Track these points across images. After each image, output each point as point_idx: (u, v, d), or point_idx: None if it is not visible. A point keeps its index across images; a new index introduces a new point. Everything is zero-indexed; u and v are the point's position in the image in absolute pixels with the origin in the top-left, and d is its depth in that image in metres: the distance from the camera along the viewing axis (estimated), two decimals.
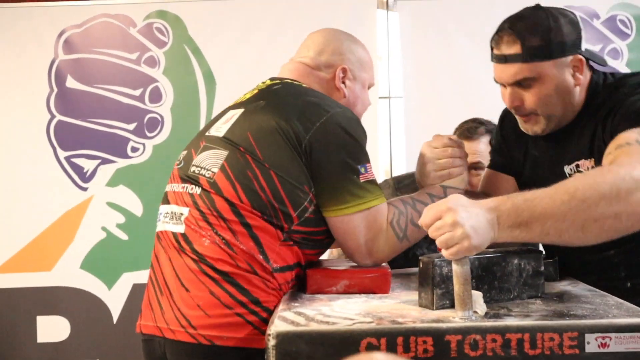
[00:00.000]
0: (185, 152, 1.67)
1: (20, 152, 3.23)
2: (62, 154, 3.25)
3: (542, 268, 1.46)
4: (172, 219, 1.58)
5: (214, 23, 3.24)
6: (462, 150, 1.67)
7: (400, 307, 1.40)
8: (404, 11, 3.26)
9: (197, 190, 1.55)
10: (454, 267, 1.26)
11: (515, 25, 1.60)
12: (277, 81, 1.69)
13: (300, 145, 1.51)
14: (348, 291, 1.55)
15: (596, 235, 1.29)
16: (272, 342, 1.23)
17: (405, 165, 3.24)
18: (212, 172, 1.54)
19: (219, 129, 1.61)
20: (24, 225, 3.23)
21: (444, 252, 1.26)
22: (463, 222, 1.23)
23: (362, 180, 1.53)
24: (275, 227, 1.51)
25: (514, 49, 1.59)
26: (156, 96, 3.23)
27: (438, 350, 1.23)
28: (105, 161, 3.26)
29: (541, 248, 1.53)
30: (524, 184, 1.77)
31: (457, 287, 1.27)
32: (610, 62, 3.22)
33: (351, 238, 1.55)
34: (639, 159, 1.37)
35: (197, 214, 1.52)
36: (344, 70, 1.70)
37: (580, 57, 1.62)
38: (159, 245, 1.61)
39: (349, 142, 1.54)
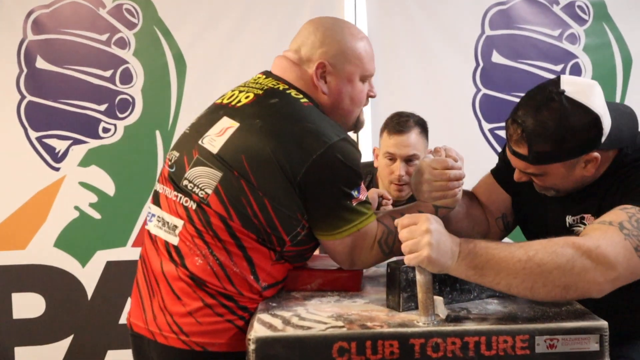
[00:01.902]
0: (176, 155, 1.64)
1: None
2: (33, 135, 3.26)
3: None
4: (164, 226, 1.59)
5: (184, 5, 3.25)
6: (460, 172, 1.62)
7: (370, 308, 1.51)
8: None
9: (192, 204, 1.55)
10: (417, 276, 1.38)
11: (526, 123, 1.52)
12: (273, 84, 1.62)
13: (295, 178, 1.49)
14: (322, 288, 1.66)
15: (542, 298, 1.39)
16: (252, 347, 1.34)
17: (369, 146, 3.33)
18: (206, 193, 1.53)
19: (213, 143, 1.57)
20: None
21: (405, 257, 1.37)
22: (432, 233, 1.34)
23: (354, 204, 1.54)
24: (269, 248, 1.55)
25: (522, 149, 1.55)
26: (127, 77, 3.24)
27: (403, 352, 1.35)
28: (76, 142, 3.28)
29: None
30: (519, 208, 1.82)
31: (420, 294, 1.38)
32: (569, 47, 3.37)
33: (339, 255, 1.61)
34: (610, 242, 1.39)
35: (192, 230, 1.54)
36: (321, 66, 1.61)
37: (596, 154, 1.54)
38: (151, 245, 1.63)
39: (345, 172, 1.53)
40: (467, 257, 1.35)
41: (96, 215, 3.31)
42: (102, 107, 3.26)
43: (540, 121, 1.51)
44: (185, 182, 1.57)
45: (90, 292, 3.32)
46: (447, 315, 1.41)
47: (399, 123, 2.58)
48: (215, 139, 1.57)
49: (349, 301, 1.58)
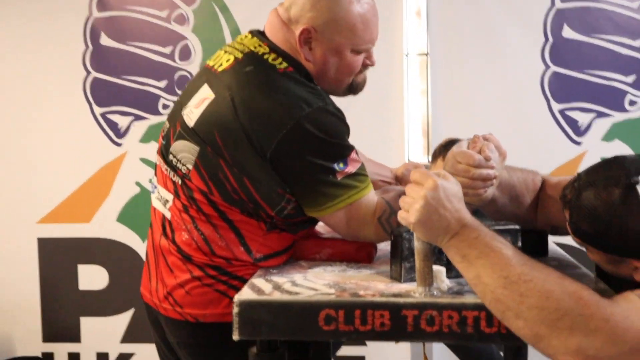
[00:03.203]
0: (167, 127, 1.60)
1: (58, 109, 3.34)
2: (97, 110, 3.35)
3: (520, 243, 1.45)
4: (161, 200, 1.58)
5: None
6: (490, 171, 1.40)
7: (371, 278, 1.43)
8: None
9: (178, 179, 1.52)
10: (415, 243, 1.27)
11: (576, 190, 1.28)
12: (254, 46, 1.52)
13: (265, 155, 1.42)
14: (331, 259, 1.58)
15: (512, 328, 1.17)
16: (235, 310, 1.28)
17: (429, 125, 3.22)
18: (187, 168, 1.49)
19: (191, 115, 1.51)
20: (63, 179, 3.35)
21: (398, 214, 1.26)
22: (428, 202, 1.20)
23: (339, 178, 1.44)
24: (258, 219, 1.49)
25: (566, 212, 1.33)
26: (185, 54, 3.26)
27: (395, 324, 1.25)
28: (138, 118, 3.34)
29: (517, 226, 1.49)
30: None
31: (417, 263, 1.28)
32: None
33: (335, 229, 1.53)
34: (627, 314, 1.12)
35: (180, 205, 1.51)
36: (305, 32, 1.48)
37: None
38: (154, 217, 1.62)
39: (319, 144, 1.42)
40: (460, 244, 1.20)
41: None
42: (162, 84, 3.30)
43: (587, 198, 1.25)
44: (171, 157, 1.54)
45: None
46: (449, 288, 1.30)
47: (446, 149, 2.41)
48: (193, 111, 1.51)
49: (355, 271, 1.49)
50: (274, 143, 1.40)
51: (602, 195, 1.23)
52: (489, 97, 3.17)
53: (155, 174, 1.64)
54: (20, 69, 3.33)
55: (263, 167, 1.43)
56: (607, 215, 1.22)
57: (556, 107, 3.16)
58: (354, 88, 1.61)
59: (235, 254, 1.50)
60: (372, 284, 1.37)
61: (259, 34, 1.56)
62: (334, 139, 1.44)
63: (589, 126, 3.16)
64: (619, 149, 3.14)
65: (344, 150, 1.45)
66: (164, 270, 1.55)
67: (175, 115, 1.57)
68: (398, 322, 1.25)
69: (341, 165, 1.44)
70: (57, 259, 3.37)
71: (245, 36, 1.58)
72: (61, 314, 3.37)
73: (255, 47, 1.52)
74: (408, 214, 1.23)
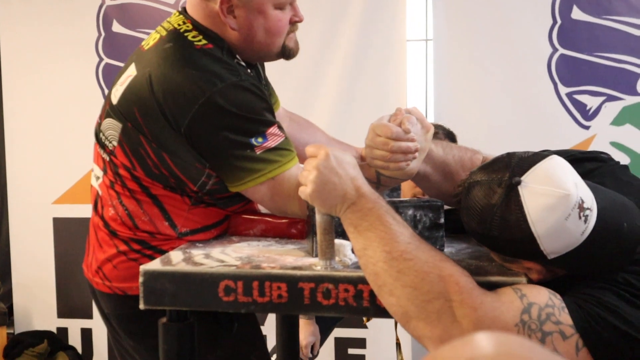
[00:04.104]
0: (104, 104, 1.62)
1: (70, 96, 3.45)
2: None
3: (442, 220, 1.42)
4: (94, 177, 1.62)
5: None
6: (409, 143, 1.38)
7: (288, 252, 1.43)
8: None
9: (106, 156, 1.55)
10: (316, 216, 1.27)
11: (463, 205, 1.25)
12: (178, 24, 1.52)
13: (180, 130, 1.42)
14: (265, 235, 1.59)
15: (377, 295, 1.17)
16: (140, 279, 1.31)
17: (433, 110, 3.17)
18: (113, 145, 1.52)
19: (116, 93, 1.52)
20: (77, 161, 3.46)
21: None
22: (321, 171, 1.20)
23: (258, 152, 1.43)
24: (182, 194, 1.51)
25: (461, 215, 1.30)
26: None
27: (292, 296, 1.26)
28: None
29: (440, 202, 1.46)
30: None
31: (318, 236, 1.28)
32: None
33: (262, 204, 1.54)
34: (499, 313, 1.10)
35: (107, 181, 1.55)
36: (225, 1, 1.47)
37: (538, 267, 1.22)
38: (91, 195, 1.65)
39: (232, 120, 1.41)
40: (353, 213, 1.18)
41: None
42: None
43: (474, 197, 1.21)
44: (100, 134, 1.57)
45: None
46: (353, 262, 1.29)
47: None
48: (118, 89, 1.53)
49: (279, 246, 1.50)
50: (187, 118, 1.41)
51: (486, 195, 1.18)
52: (494, 81, 3.10)
53: (94, 153, 1.68)
54: (38, 57, 3.47)
55: (180, 142, 1.44)
56: (490, 215, 1.17)
57: (563, 90, 3.06)
58: (286, 52, 1.58)
59: (158, 228, 1.52)
60: (283, 257, 1.38)
61: (184, 12, 1.57)
62: (249, 113, 1.43)
63: (598, 110, 3.05)
64: (630, 133, 3.02)
65: (261, 125, 1.44)
66: (95, 245, 1.60)
67: (108, 95, 1.60)
68: (295, 295, 1.25)
69: (259, 140, 1.43)
70: (72, 238, 3.49)
71: (174, 14, 1.60)
72: (75, 291, 3.49)
73: (179, 25, 1.53)
74: (304, 187, 1.23)
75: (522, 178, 1.16)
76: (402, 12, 3.14)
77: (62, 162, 3.47)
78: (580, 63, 3.04)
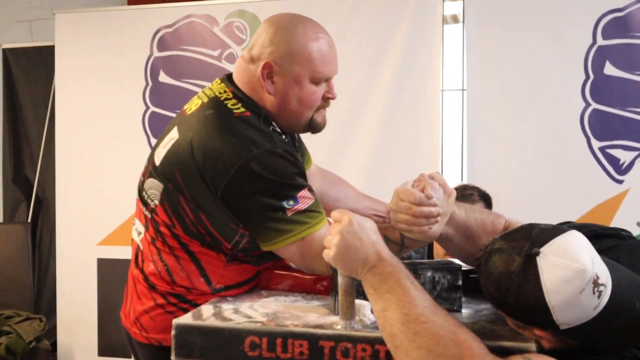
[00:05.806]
0: (146, 164, 1.69)
1: (117, 143, 3.62)
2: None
3: (460, 282, 1.48)
4: (136, 232, 1.70)
5: None
6: (432, 208, 1.45)
7: (312, 309, 1.50)
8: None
9: (148, 214, 1.63)
10: (338, 277, 1.35)
11: (482, 269, 1.31)
12: (219, 91, 1.62)
13: (217, 192, 1.50)
14: (293, 290, 1.67)
15: (393, 354, 1.23)
16: (173, 332, 1.40)
17: (465, 162, 3.23)
18: (155, 203, 1.60)
19: (159, 155, 1.61)
20: (121, 204, 3.61)
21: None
22: (344, 236, 1.29)
23: (289, 214, 1.50)
24: (217, 251, 1.59)
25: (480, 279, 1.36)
26: None
27: (313, 354, 1.33)
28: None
29: (459, 262, 1.52)
30: None
31: (339, 297, 1.35)
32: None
33: (292, 262, 1.60)
34: None
35: (149, 237, 1.64)
36: (267, 66, 1.58)
37: (548, 336, 1.25)
38: (132, 248, 1.75)
39: (265, 184, 1.49)
40: (373, 277, 1.26)
41: None
42: None
43: (494, 263, 1.26)
44: (143, 193, 1.66)
45: None
46: (372, 322, 1.36)
47: (463, 196, 2.41)
48: (161, 151, 1.62)
49: (304, 302, 1.57)
50: (224, 182, 1.49)
51: (505, 262, 1.24)
52: (527, 135, 3.15)
53: (136, 208, 1.79)
54: (89, 106, 3.66)
55: (216, 204, 1.52)
56: (507, 282, 1.22)
57: (596, 144, 3.09)
58: (313, 125, 1.67)
59: (194, 284, 1.61)
60: (307, 314, 1.45)
61: (227, 80, 1.68)
62: (281, 178, 1.50)
63: (631, 164, 3.07)
64: None
65: (292, 189, 1.51)
66: (134, 296, 1.70)
67: (151, 155, 1.68)
68: (315, 352, 1.32)
69: (291, 202, 1.50)
70: (115, 278, 3.62)
71: (216, 81, 1.71)
72: (115, 330, 3.61)
73: (220, 93, 1.63)
74: (328, 251, 1.32)
75: (541, 249, 1.21)
76: (437, 63, 3.23)
77: (108, 205, 3.63)
78: (613, 118, 3.07)
